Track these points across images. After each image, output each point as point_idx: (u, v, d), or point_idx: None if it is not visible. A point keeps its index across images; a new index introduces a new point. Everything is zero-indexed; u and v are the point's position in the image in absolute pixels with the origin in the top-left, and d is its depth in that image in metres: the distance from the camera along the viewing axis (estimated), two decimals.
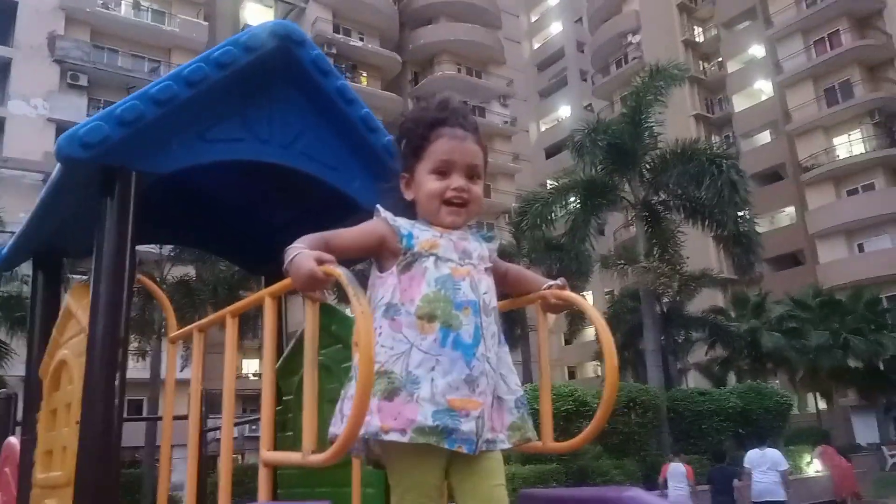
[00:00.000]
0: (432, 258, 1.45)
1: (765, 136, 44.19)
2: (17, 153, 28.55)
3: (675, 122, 39.07)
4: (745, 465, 11.14)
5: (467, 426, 1.36)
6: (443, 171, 1.52)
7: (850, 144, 38.83)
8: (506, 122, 46.11)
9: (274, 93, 2.36)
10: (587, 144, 17.24)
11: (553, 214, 18.22)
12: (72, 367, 2.16)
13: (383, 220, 1.50)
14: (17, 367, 20.45)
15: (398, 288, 1.43)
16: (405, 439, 1.32)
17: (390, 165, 2.54)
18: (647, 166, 17.66)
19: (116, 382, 1.87)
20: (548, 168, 48.75)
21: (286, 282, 1.51)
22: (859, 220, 36.79)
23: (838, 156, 38.86)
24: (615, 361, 1.58)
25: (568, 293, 1.65)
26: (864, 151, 37.90)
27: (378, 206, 1.55)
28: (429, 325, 1.39)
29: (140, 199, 2.06)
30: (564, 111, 54.11)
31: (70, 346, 2.24)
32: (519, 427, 1.51)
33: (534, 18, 57.91)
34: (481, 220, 42.06)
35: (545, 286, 1.69)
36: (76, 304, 2.26)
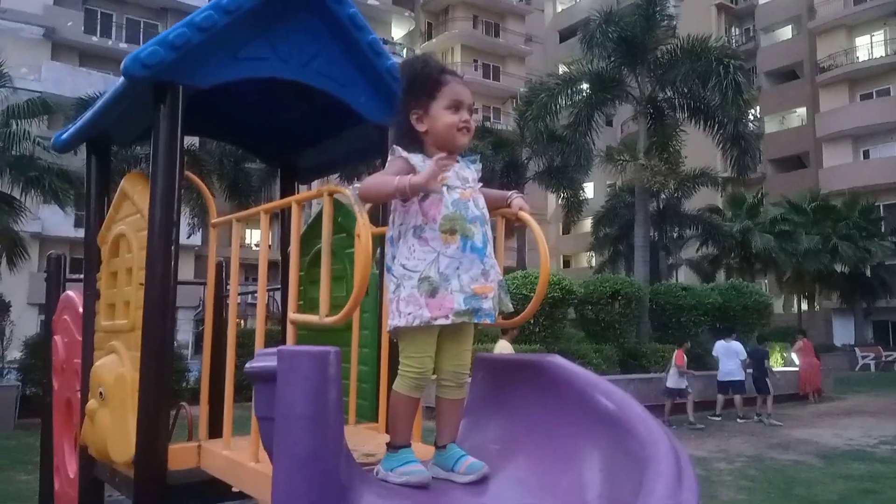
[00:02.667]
0: (444, 187, 1.93)
1: (786, 32, 42.88)
2: (15, 4, 28.00)
3: (696, 10, 37.95)
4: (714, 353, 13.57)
5: (487, 305, 1.92)
6: (455, 108, 1.99)
7: (872, 46, 37.84)
8: (520, 0, 44.62)
9: (294, 18, 2.77)
10: (598, 36, 17.10)
11: (558, 106, 18.32)
12: (130, 239, 2.71)
13: (404, 160, 1.95)
14: (30, 224, 21.29)
15: (420, 212, 1.92)
16: (449, 322, 1.86)
17: (392, 86, 2.99)
18: (656, 61, 17.59)
19: (172, 254, 2.44)
20: (560, 52, 47.44)
21: (311, 193, 2.01)
22: (869, 126, 36.47)
23: (857, 58, 37.97)
24: (548, 272, 2.10)
25: (522, 213, 2.15)
26: (884, 55, 37.03)
27: (395, 146, 1.99)
28: (451, 237, 1.90)
29: (186, 107, 2.54)
30: None
31: (127, 223, 2.78)
32: (497, 304, 2.02)
33: None
34: (487, 105, 41.50)
35: (510, 198, 2.17)
36: (131, 189, 2.78)
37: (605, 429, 1.71)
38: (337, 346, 1.65)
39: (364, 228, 1.70)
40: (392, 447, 1.92)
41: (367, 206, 1.81)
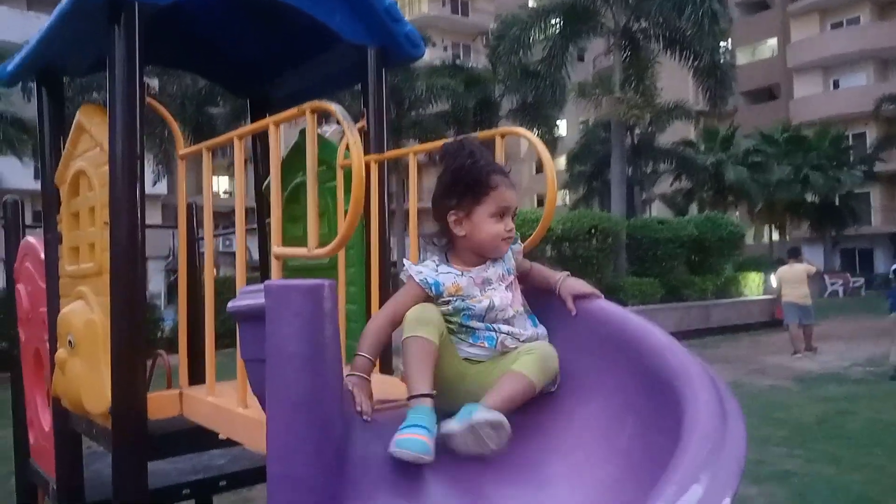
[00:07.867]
0: (459, 300, 1.75)
1: None
2: None
3: None
4: None
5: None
6: (500, 215, 1.77)
7: None
8: None
9: None
10: None
11: (531, 39, 17.89)
12: (91, 176, 2.48)
13: (416, 286, 1.77)
14: None
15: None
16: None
17: (371, 2, 2.74)
18: None
19: (137, 190, 2.22)
20: None
21: (291, 112, 1.78)
22: (839, 56, 36.47)
23: None
24: (555, 195, 1.95)
25: (571, 287, 1.87)
26: None
27: (409, 268, 1.80)
28: None
29: (143, 27, 2.28)
30: None
31: (86, 159, 2.54)
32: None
33: None
34: (457, 41, 40.56)
35: (558, 285, 1.88)
36: (88, 122, 2.53)
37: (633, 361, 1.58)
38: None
39: (356, 147, 1.51)
40: (409, 398, 1.72)
41: (358, 124, 1.61)
